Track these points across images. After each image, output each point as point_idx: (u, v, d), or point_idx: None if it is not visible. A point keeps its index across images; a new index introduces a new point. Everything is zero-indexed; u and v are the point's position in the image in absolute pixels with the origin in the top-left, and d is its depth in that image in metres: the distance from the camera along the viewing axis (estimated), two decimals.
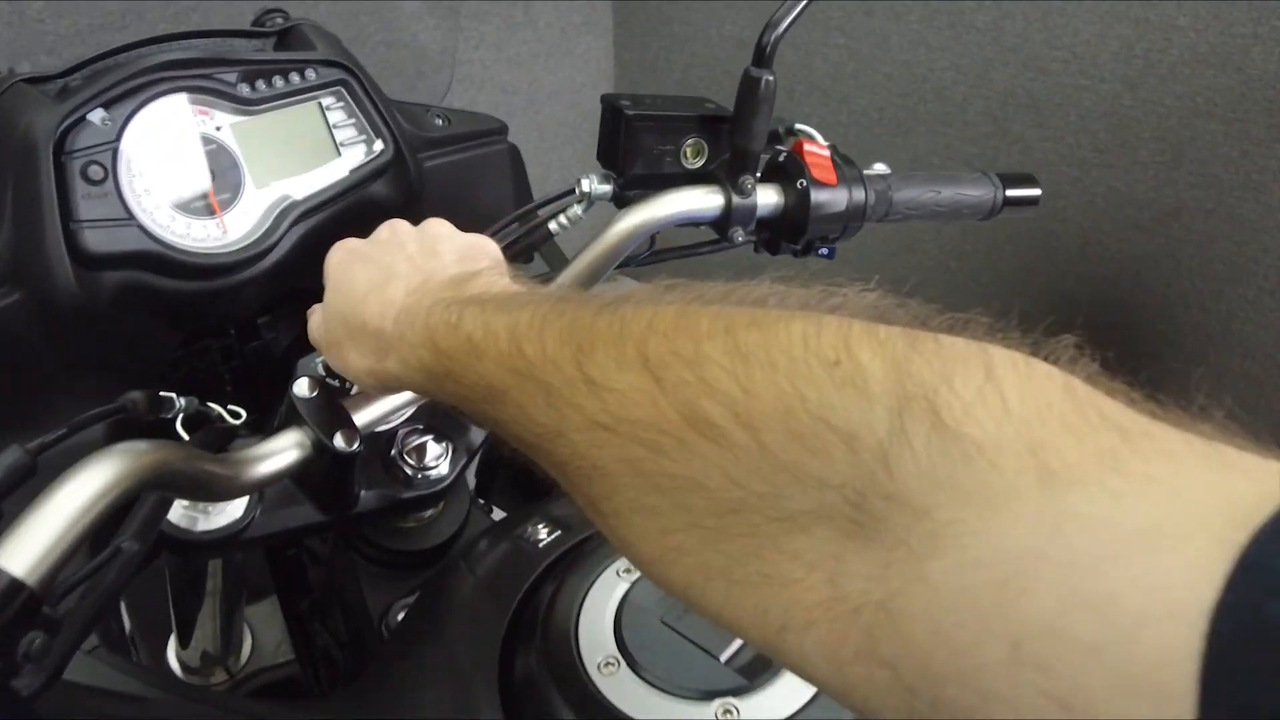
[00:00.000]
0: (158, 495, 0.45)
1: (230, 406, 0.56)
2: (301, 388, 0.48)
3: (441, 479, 0.58)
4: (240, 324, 0.64)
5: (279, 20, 0.65)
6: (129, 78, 0.52)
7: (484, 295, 0.45)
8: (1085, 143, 1.91)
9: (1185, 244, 1.89)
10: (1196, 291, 1.92)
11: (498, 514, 0.89)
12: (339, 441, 0.47)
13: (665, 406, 0.31)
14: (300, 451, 0.46)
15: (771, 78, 0.56)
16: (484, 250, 0.54)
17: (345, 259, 0.52)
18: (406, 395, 0.52)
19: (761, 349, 0.30)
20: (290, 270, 0.59)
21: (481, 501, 0.82)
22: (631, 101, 0.58)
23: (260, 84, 0.56)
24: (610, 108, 0.57)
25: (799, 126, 0.66)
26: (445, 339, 0.43)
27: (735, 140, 0.58)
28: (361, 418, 0.50)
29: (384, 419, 0.51)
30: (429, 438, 0.58)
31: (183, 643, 0.70)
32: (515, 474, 0.87)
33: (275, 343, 0.68)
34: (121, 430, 0.53)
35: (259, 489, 0.48)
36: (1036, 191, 0.69)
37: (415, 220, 0.69)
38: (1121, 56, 1.79)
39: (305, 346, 0.66)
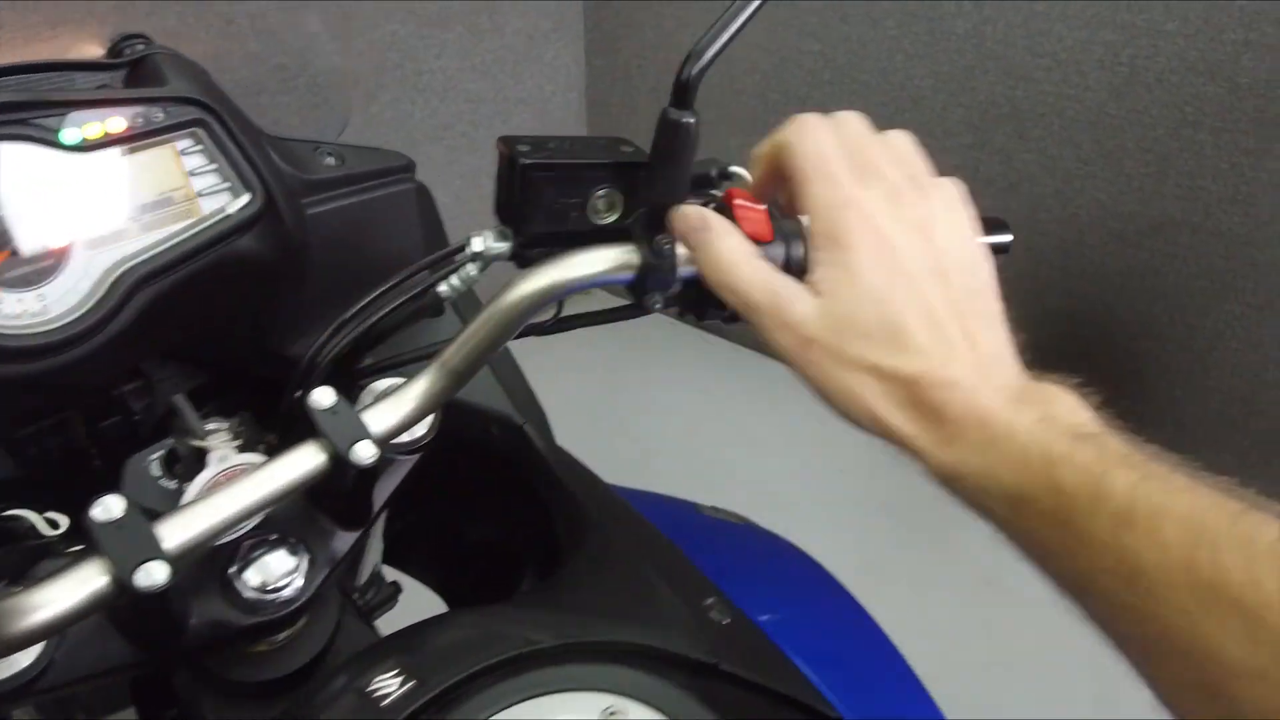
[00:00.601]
0: None
1: (49, 514, 0.48)
2: (101, 510, 0.39)
3: (291, 600, 0.48)
4: (86, 402, 0.55)
5: (139, 47, 0.57)
6: None
7: (1094, 434, 0.38)
8: (1069, 154, 1.83)
9: (1171, 258, 1.82)
10: (1182, 307, 1.85)
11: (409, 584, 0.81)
12: (142, 579, 0.39)
13: None
14: (90, 595, 0.38)
15: (693, 120, 0.47)
16: (987, 270, 0.44)
17: (885, 256, 0.41)
18: (248, 503, 0.43)
19: None
20: (134, 343, 0.51)
21: (377, 567, 0.74)
22: (531, 146, 0.49)
23: (92, 128, 0.48)
24: (505, 154, 0.48)
25: (734, 170, 0.57)
26: (1078, 486, 0.35)
27: (651, 193, 0.49)
28: (178, 538, 0.41)
29: (219, 534, 0.43)
30: (279, 551, 0.49)
31: None
32: (441, 542, 0.79)
33: (149, 411, 0.59)
34: None
35: (39, 640, 0.40)
36: (1008, 238, 0.61)
37: (300, 276, 0.60)
38: (1106, 64, 1.72)
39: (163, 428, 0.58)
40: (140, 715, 0.63)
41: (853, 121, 0.48)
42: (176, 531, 0.42)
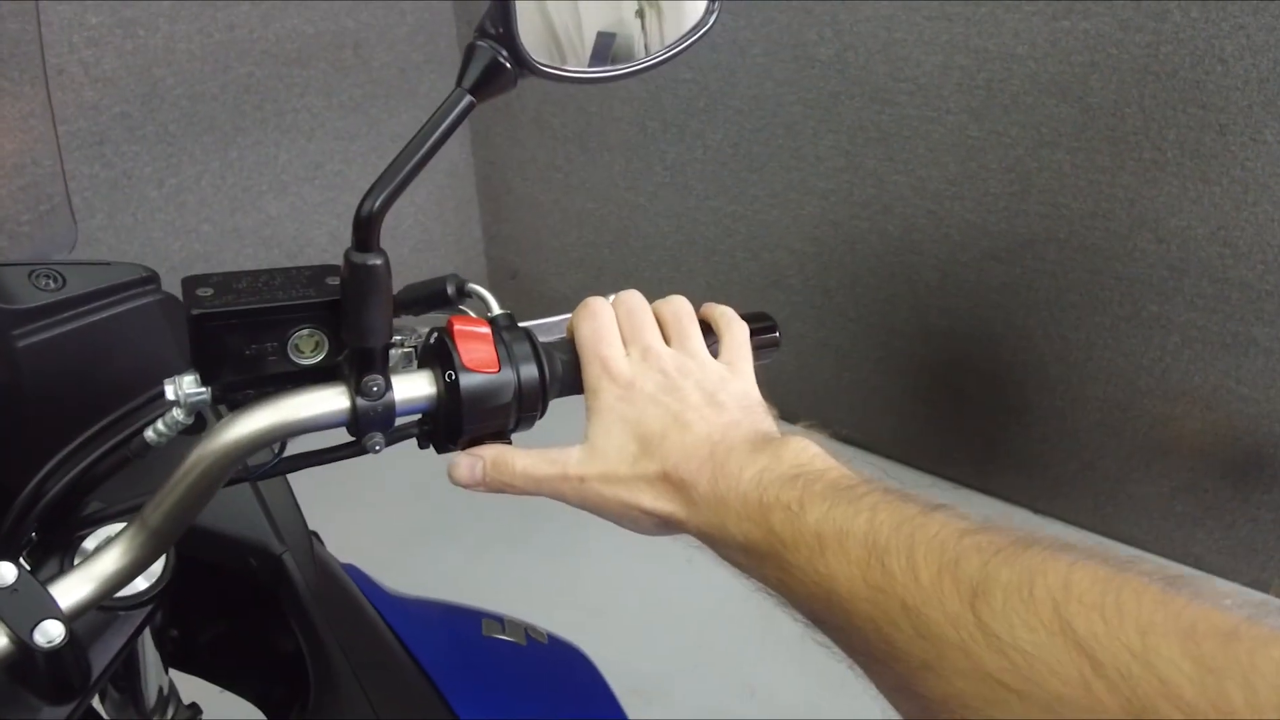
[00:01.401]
0: None
1: None
2: None
3: None
4: None
5: None
6: None
7: (809, 472, 0.43)
8: (936, 175, 1.86)
9: (1040, 274, 1.86)
10: (1055, 321, 1.89)
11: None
12: None
13: (1103, 693, 0.29)
14: None
15: (380, 261, 0.45)
16: (755, 397, 0.52)
17: (623, 396, 0.50)
18: None
19: (1235, 669, 0.28)
20: None
21: (165, 688, 0.69)
22: (215, 289, 0.46)
23: None
24: (183, 301, 0.45)
25: (472, 287, 0.54)
26: (783, 524, 0.41)
27: (347, 338, 0.46)
28: None
29: None
30: None
31: None
32: (224, 643, 0.75)
33: None
34: None
35: None
36: (774, 335, 0.60)
37: (15, 416, 0.56)
38: (964, 87, 1.75)
39: None
40: None
41: (628, 299, 0.55)
42: None
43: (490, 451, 0.51)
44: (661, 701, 1.73)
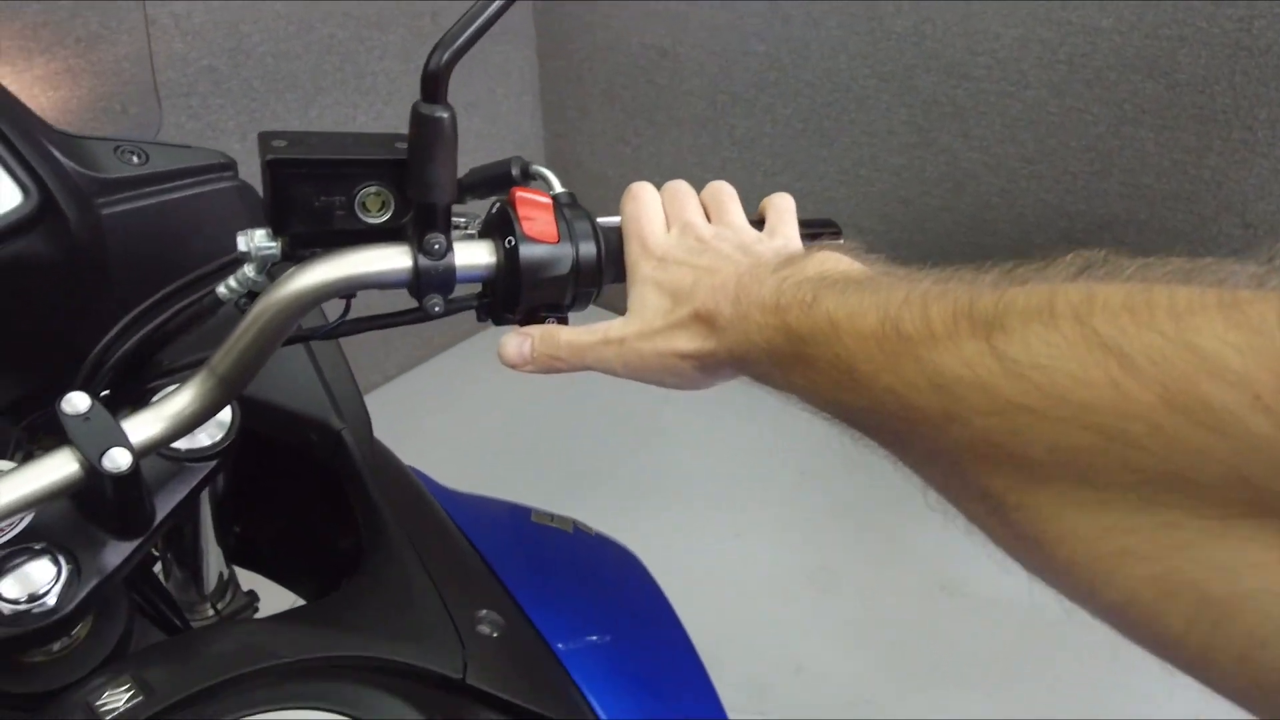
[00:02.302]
0: None
1: None
2: None
3: (52, 611, 0.45)
4: None
5: None
6: None
7: (831, 274, 0.44)
8: (1013, 152, 1.82)
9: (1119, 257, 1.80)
10: None
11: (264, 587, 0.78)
12: None
13: (1134, 389, 0.28)
14: None
15: (447, 114, 0.46)
16: (796, 249, 0.53)
17: (659, 266, 0.51)
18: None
19: None
20: None
21: (225, 574, 0.71)
22: (289, 141, 0.47)
23: None
24: (260, 151, 0.46)
25: (537, 169, 0.55)
26: (799, 319, 0.41)
27: (413, 192, 0.47)
28: None
29: None
30: (40, 560, 0.47)
31: None
32: (290, 544, 0.77)
33: None
34: None
35: None
36: (835, 227, 0.59)
37: (100, 280, 0.58)
38: (1045, 61, 1.70)
39: None
40: None
41: (674, 184, 0.56)
42: None
43: (538, 329, 0.53)
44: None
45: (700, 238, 0.52)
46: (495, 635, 0.48)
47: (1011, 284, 0.34)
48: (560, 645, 0.50)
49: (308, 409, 0.62)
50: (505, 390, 2.33)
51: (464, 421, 2.23)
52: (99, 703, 0.41)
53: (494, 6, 0.45)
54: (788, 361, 0.42)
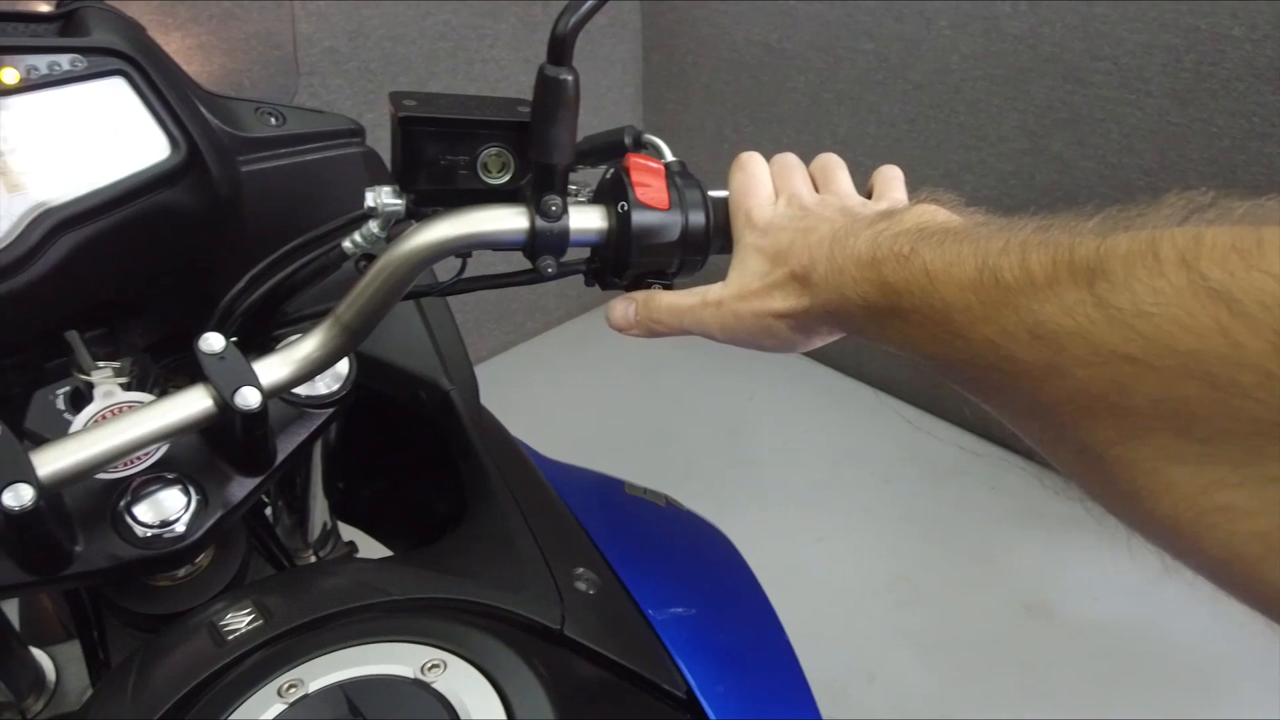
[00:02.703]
0: None
1: None
2: None
3: (181, 538, 0.48)
4: (36, 339, 0.58)
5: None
6: None
7: (929, 225, 0.43)
8: (1130, 163, 1.75)
9: None
10: None
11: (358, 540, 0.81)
12: (9, 499, 0.40)
13: (1244, 335, 0.26)
14: None
15: (570, 77, 0.47)
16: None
17: (764, 232, 0.51)
18: (125, 440, 0.44)
19: None
20: (62, 287, 0.53)
21: (328, 524, 0.75)
22: (419, 101, 0.49)
23: (8, 73, 0.50)
24: (391, 110, 0.48)
25: (649, 138, 0.56)
26: (895, 271, 0.41)
27: (534, 152, 0.49)
28: (52, 466, 0.43)
29: (97, 467, 0.44)
30: (172, 489, 0.50)
31: None
32: (389, 500, 0.80)
33: (107, 358, 0.61)
34: None
35: None
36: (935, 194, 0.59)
37: (236, 233, 0.62)
38: (1169, 69, 1.64)
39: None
40: (84, 644, 0.66)
41: (782, 156, 0.57)
42: (51, 460, 0.44)
43: (642, 294, 0.54)
44: None
45: (804, 206, 0.52)
46: (591, 592, 0.49)
47: (1115, 229, 0.33)
48: (651, 611, 0.51)
49: (419, 368, 0.64)
50: (592, 380, 2.36)
51: (548, 409, 2.27)
52: (222, 623, 0.44)
53: None
54: (883, 315, 0.42)
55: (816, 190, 0.54)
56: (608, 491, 0.66)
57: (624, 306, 0.53)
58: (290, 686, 0.39)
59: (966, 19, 1.83)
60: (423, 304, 0.69)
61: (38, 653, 0.68)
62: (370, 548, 0.82)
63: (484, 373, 0.68)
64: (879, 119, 2.06)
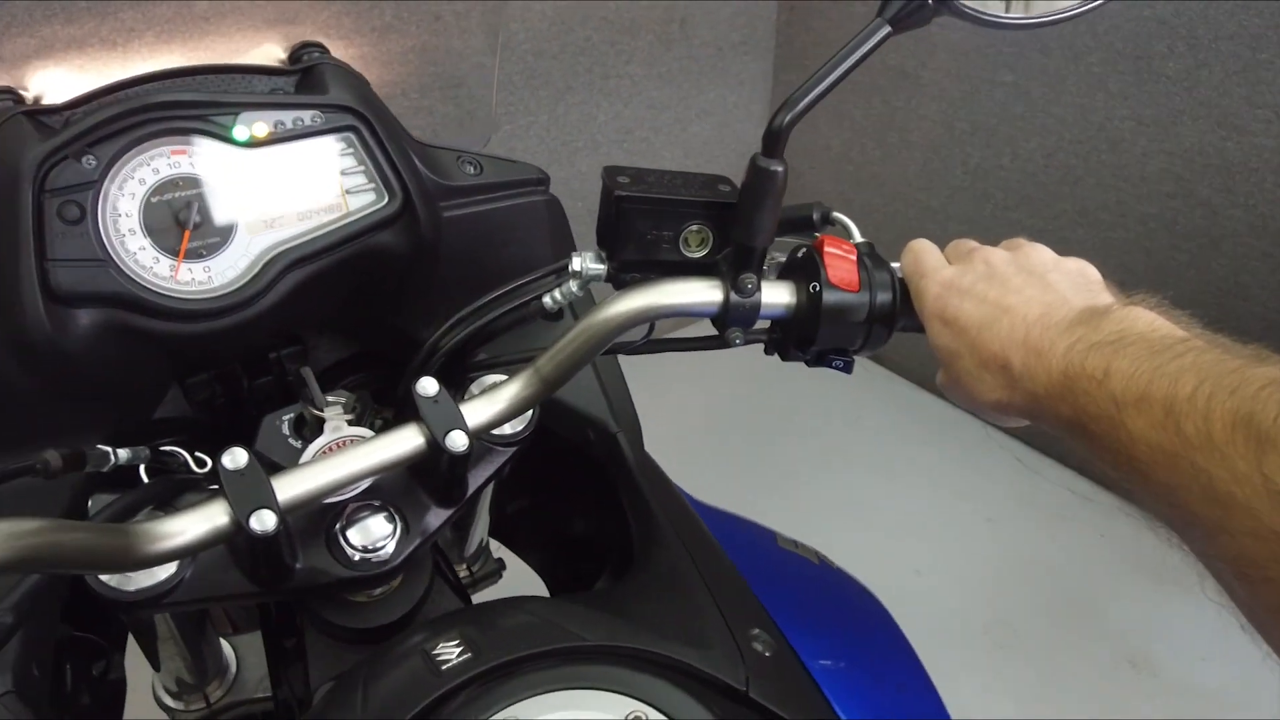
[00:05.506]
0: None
1: (198, 454, 0.56)
2: (230, 459, 0.46)
3: (384, 561, 0.53)
4: (247, 359, 0.63)
5: (315, 54, 0.64)
6: (118, 117, 0.52)
7: (1125, 337, 0.41)
8: None
9: None
10: None
11: (505, 559, 0.86)
12: (255, 523, 0.45)
13: None
14: (213, 529, 0.44)
15: (781, 169, 0.49)
16: (1094, 276, 0.50)
17: (941, 293, 0.51)
18: (351, 471, 0.49)
19: None
20: (283, 316, 0.58)
21: (484, 541, 0.79)
22: (631, 178, 0.52)
23: (259, 127, 0.55)
24: (605, 184, 0.52)
25: (836, 215, 0.58)
26: (1086, 397, 0.40)
27: (736, 235, 0.51)
28: (290, 493, 0.47)
29: (324, 495, 0.49)
30: (379, 516, 0.54)
31: (155, 669, 0.71)
32: (544, 529, 0.84)
33: (299, 374, 0.67)
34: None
35: (168, 561, 0.46)
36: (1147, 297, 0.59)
37: (431, 272, 0.66)
38: None
39: (288, 395, 0.65)
40: (265, 638, 0.72)
41: (958, 241, 0.55)
42: (288, 487, 0.48)
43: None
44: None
45: (988, 262, 0.51)
46: (768, 654, 0.51)
47: None
48: (818, 674, 0.52)
49: (589, 409, 0.67)
50: (692, 398, 2.37)
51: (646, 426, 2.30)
52: (434, 651, 0.48)
53: (836, 73, 0.49)
54: (1074, 433, 0.42)
55: None
56: (762, 543, 0.68)
57: None
58: None
59: (1118, 56, 1.78)
60: None
61: (223, 642, 0.75)
62: (514, 563, 0.87)
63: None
64: (1014, 152, 2.02)
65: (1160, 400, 0.37)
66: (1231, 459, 0.33)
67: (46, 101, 0.59)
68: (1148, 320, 0.43)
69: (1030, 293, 0.48)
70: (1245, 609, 0.34)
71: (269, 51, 0.67)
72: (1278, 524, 0.30)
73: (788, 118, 0.48)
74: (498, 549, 0.86)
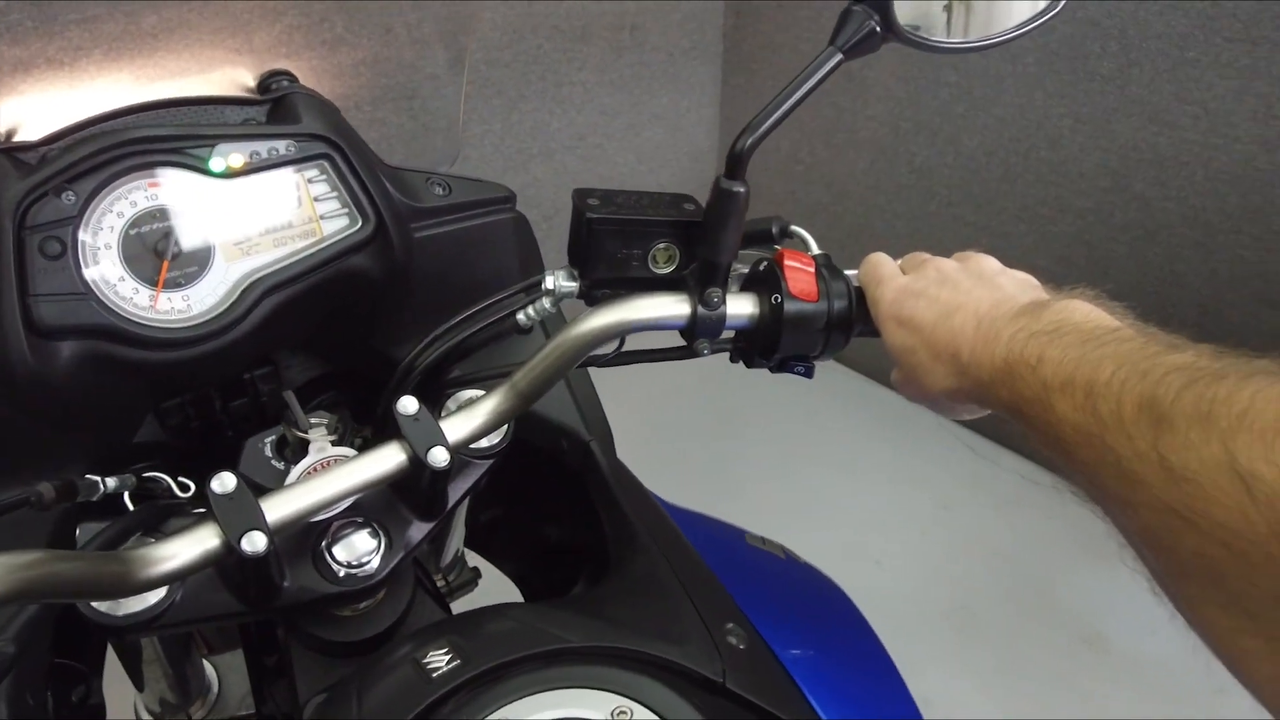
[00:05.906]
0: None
1: (181, 479, 0.57)
2: (219, 484, 0.47)
3: (370, 576, 0.55)
4: (223, 383, 0.64)
5: (284, 83, 0.65)
6: (95, 154, 0.53)
7: (1061, 327, 0.44)
8: (1212, 206, 1.75)
9: None
10: None
11: (479, 565, 0.87)
12: (246, 545, 0.46)
13: (1256, 518, 0.30)
14: (204, 552, 0.46)
15: (743, 189, 0.52)
16: (1037, 284, 0.54)
17: (897, 297, 0.54)
18: (337, 490, 0.51)
19: None
20: (260, 341, 0.59)
21: (459, 551, 0.81)
22: (600, 200, 0.55)
23: (235, 158, 0.56)
24: (575, 207, 0.54)
25: (794, 229, 0.61)
26: (1022, 383, 0.43)
27: (702, 251, 0.54)
28: (278, 513, 0.49)
29: (311, 514, 0.50)
30: (363, 531, 0.56)
31: (139, 690, 0.72)
32: (519, 537, 0.86)
33: (273, 395, 0.68)
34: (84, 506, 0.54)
35: (162, 585, 0.48)
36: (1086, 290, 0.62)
37: (404, 292, 0.68)
38: (1260, 116, 1.64)
39: (268, 419, 0.66)
40: (247, 656, 0.73)
41: (913, 254, 0.59)
42: (277, 508, 0.50)
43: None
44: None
45: (939, 268, 0.54)
46: (742, 647, 0.54)
47: (1194, 375, 0.35)
48: (789, 664, 0.55)
49: (562, 419, 0.70)
50: (649, 401, 2.40)
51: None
52: (424, 660, 0.49)
53: (793, 99, 0.52)
54: (1013, 415, 0.45)
55: None
56: (731, 541, 0.71)
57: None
58: None
59: (1053, 57, 1.84)
60: None
61: (204, 662, 0.76)
62: (488, 572, 0.88)
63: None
64: (957, 150, 2.08)
65: (1082, 385, 0.40)
66: (1135, 439, 0.35)
67: (12, 132, 0.60)
68: (1084, 312, 0.46)
69: (980, 293, 0.51)
70: (1156, 576, 0.37)
71: (231, 76, 0.68)
72: (1171, 498, 0.33)
73: (749, 142, 0.51)
74: (472, 558, 0.88)
